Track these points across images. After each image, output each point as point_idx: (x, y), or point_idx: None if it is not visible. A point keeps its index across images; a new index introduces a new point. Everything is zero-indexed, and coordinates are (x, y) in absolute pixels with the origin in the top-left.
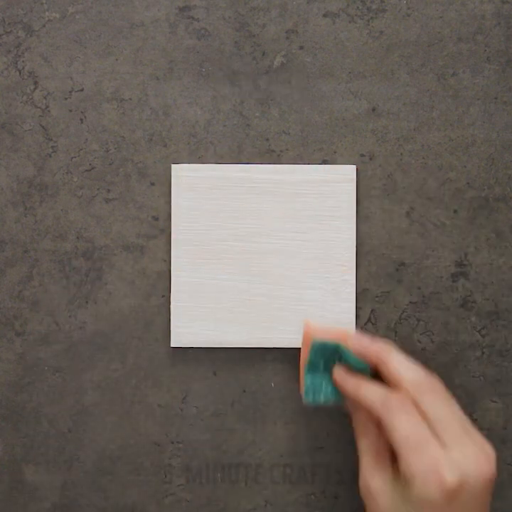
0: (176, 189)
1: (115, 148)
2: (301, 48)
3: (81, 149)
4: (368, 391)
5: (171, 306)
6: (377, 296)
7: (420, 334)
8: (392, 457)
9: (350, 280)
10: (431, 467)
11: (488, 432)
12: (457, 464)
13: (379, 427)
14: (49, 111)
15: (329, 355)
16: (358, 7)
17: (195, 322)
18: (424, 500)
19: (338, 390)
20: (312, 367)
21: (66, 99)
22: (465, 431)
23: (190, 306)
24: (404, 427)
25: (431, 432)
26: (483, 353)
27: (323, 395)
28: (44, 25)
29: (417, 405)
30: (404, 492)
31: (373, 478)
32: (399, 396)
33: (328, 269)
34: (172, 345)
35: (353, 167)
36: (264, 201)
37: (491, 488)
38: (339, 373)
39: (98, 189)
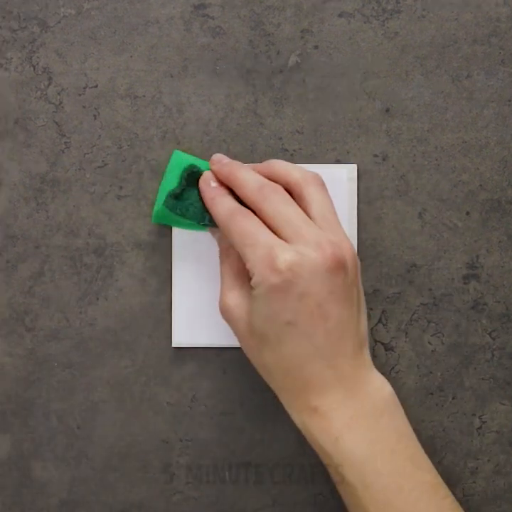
0: None
1: (128, 145)
2: (316, 47)
3: (94, 146)
4: (246, 175)
5: (173, 306)
6: (388, 297)
7: (431, 336)
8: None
9: None
10: (266, 252)
11: (497, 434)
12: (294, 249)
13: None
14: (63, 107)
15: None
16: (373, 8)
17: (196, 322)
18: (265, 287)
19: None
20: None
21: (80, 95)
22: (332, 225)
23: (191, 307)
24: (274, 209)
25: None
26: (493, 355)
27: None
28: (59, 21)
29: (301, 198)
30: (253, 293)
31: (230, 295)
32: (273, 184)
33: None
34: (173, 345)
35: (354, 166)
36: None
37: (341, 275)
38: (207, 175)
39: (110, 186)
